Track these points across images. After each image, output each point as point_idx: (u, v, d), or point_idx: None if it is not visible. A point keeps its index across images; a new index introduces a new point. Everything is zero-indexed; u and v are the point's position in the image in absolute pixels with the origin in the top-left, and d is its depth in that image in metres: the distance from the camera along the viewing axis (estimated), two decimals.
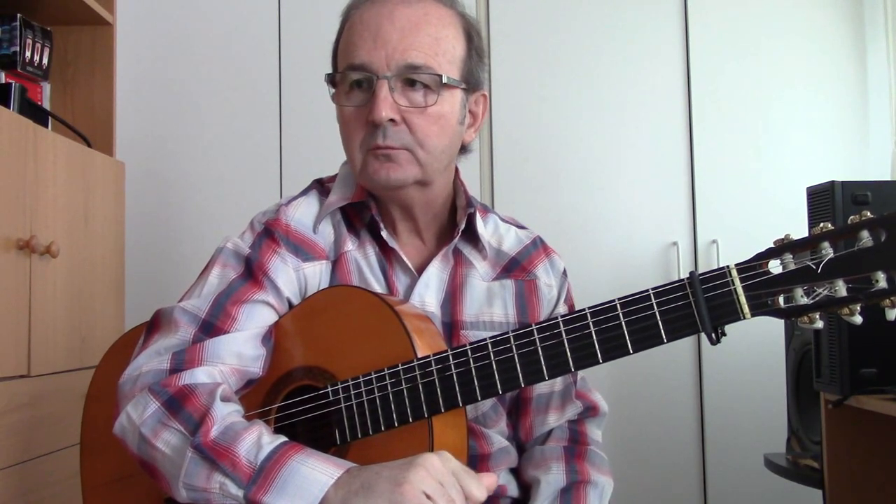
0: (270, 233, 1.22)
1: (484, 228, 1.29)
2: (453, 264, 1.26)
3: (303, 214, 1.25)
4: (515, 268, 1.29)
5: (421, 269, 1.24)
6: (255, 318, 1.16)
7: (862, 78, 2.80)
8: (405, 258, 1.23)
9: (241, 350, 1.14)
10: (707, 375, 2.72)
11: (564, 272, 1.35)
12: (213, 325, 1.15)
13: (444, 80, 1.17)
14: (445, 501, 0.95)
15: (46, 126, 2.14)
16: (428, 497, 0.94)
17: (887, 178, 2.66)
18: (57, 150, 1.98)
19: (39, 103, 2.24)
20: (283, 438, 1.03)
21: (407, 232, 1.26)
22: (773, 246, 1.01)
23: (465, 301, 1.24)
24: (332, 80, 1.23)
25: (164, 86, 2.81)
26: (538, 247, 1.34)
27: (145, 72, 2.80)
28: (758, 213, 2.74)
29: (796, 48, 2.80)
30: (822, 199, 1.88)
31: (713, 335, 1.01)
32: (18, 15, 2.17)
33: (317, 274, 1.22)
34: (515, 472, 1.28)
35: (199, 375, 1.11)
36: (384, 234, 1.22)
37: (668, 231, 2.77)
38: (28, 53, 2.20)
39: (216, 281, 1.19)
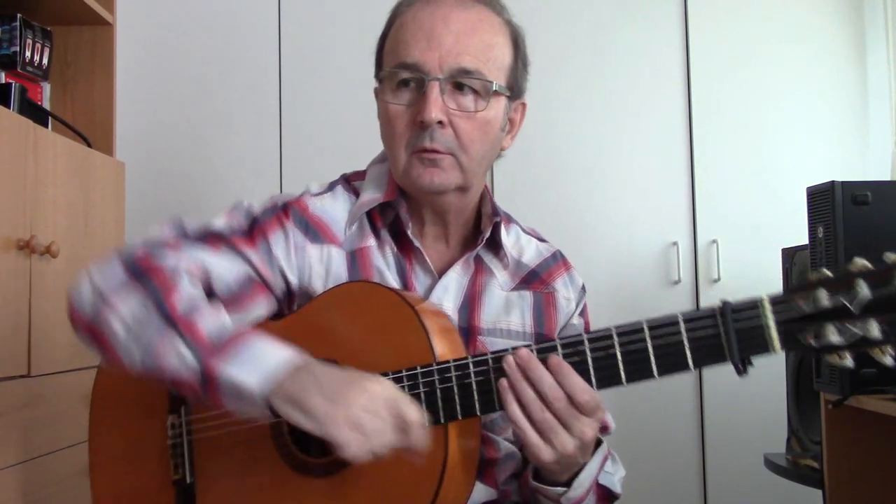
0: (286, 207, 1.22)
1: (507, 238, 1.29)
2: (473, 271, 1.26)
3: (327, 206, 1.24)
4: (534, 280, 1.29)
5: (441, 273, 1.24)
6: (235, 265, 1.17)
7: (862, 78, 2.80)
8: (428, 259, 1.23)
9: (214, 264, 1.15)
10: (707, 375, 2.72)
11: (583, 288, 1.34)
12: (196, 241, 1.17)
13: (494, 87, 1.17)
14: (376, 438, 0.96)
15: (46, 126, 2.14)
16: (357, 427, 0.95)
17: (887, 178, 2.66)
18: (57, 150, 1.98)
19: (39, 103, 2.24)
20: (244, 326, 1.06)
21: (433, 236, 1.26)
22: (808, 279, 0.97)
23: (482, 308, 1.24)
24: (378, 76, 1.22)
25: (164, 86, 2.81)
26: (558, 261, 1.33)
27: (145, 72, 2.80)
28: (758, 213, 2.74)
29: (796, 48, 2.81)
30: (822, 199, 1.88)
31: (740, 366, 0.99)
32: (18, 15, 2.17)
33: (322, 257, 1.21)
34: (518, 476, 1.27)
35: (171, 259, 1.12)
36: (410, 232, 1.21)
37: (668, 231, 2.77)
38: (28, 53, 2.20)
39: (218, 222, 1.21)
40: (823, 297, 0.95)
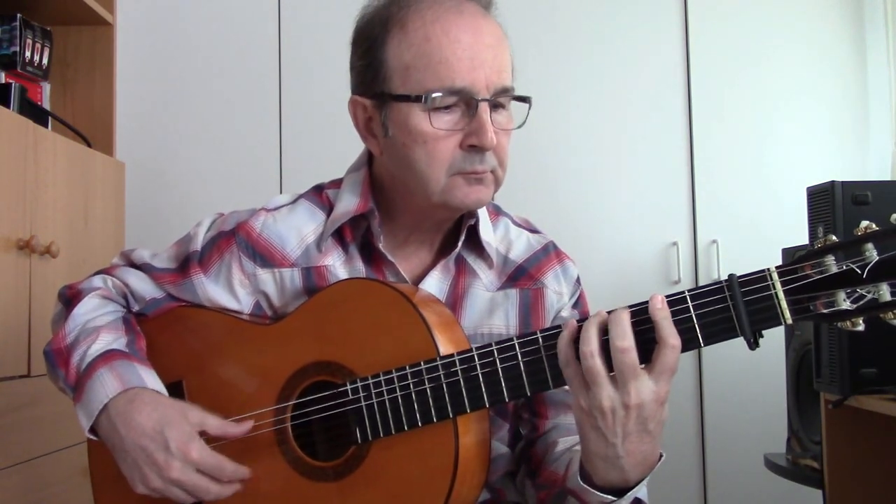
0: (233, 233, 1.21)
1: (492, 235, 1.25)
2: (455, 274, 1.21)
3: (280, 223, 1.21)
4: (522, 276, 1.24)
5: (419, 281, 1.20)
6: (154, 288, 1.26)
7: (862, 78, 2.80)
8: (402, 273, 1.19)
9: (134, 283, 1.26)
10: (707, 375, 2.72)
11: (578, 279, 1.28)
12: (130, 266, 1.29)
13: (529, 103, 1.15)
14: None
15: (46, 126, 2.14)
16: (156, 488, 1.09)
17: (887, 178, 2.66)
18: (57, 150, 1.98)
19: (39, 103, 2.24)
20: (106, 348, 1.16)
21: (418, 242, 1.21)
22: (814, 247, 0.95)
23: (464, 312, 1.20)
24: (408, 97, 1.10)
25: (164, 86, 2.81)
26: (549, 253, 1.27)
27: (145, 72, 2.80)
28: (758, 213, 2.74)
29: (796, 48, 2.80)
30: (822, 199, 1.88)
31: (752, 340, 0.97)
32: (18, 15, 2.17)
33: (275, 280, 1.20)
34: (512, 476, 1.27)
35: (95, 281, 1.26)
36: (381, 246, 1.18)
37: (668, 231, 2.77)
38: (28, 53, 2.20)
39: (158, 258, 1.28)
40: (831, 263, 0.93)
